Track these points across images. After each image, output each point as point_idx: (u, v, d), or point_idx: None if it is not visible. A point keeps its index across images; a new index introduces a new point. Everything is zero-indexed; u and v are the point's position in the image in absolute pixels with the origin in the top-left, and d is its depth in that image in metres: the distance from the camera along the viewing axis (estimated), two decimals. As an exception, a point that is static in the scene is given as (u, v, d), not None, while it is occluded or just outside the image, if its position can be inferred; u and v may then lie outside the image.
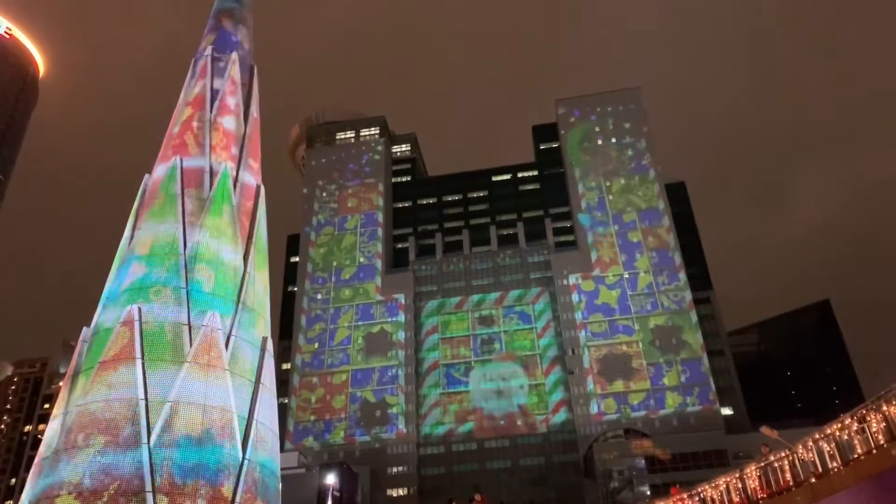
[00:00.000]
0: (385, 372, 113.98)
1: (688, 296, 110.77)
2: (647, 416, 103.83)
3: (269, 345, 28.13)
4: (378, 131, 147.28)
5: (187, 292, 26.21)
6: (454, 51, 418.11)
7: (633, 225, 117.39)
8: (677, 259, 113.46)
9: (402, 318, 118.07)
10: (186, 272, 26.70)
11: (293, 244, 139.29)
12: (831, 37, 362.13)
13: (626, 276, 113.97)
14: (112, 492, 21.58)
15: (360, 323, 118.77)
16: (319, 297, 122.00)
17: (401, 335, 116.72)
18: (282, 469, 28.90)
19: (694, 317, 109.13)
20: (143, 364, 24.17)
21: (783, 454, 26.07)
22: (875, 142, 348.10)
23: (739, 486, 27.61)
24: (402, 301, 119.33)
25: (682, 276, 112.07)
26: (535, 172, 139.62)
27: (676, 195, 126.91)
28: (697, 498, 29.82)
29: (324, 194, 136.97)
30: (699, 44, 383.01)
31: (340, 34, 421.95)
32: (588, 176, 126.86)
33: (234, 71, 33.32)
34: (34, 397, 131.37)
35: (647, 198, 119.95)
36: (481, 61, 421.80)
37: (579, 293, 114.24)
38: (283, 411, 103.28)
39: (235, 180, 30.47)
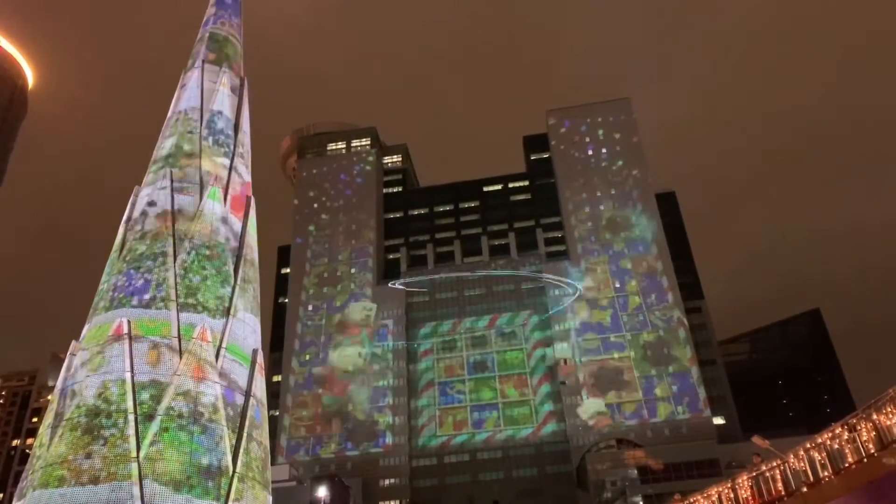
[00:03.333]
0: (374, 392, 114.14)
1: (676, 314, 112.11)
2: (639, 425, 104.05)
3: (260, 357, 27.98)
4: (369, 142, 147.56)
5: (177, 304, 26.07)
6: (445, 61, 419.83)
7: (623, 254, 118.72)
8: (665, 282, 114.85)
9: (390, 342, 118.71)
10: (176, 284, 26.57)
11: (284, 255, 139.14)
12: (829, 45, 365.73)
13: (618, 298, 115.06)
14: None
15: (350, 347, 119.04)
16: (312, 323, 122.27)
17: (389, 357, 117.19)
18: (273, 482, 28.69)
19: (682, 333, 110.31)
20: (132, 377, 23.99)
21: (775, 464, 26.12)
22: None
23: (731, 495, 27.64)
24: (391, 326, 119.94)
25: (671, 296, 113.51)
26: (527, 183, 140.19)
27: (667, 205, 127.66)
28: (690, 508, 29.80)
29: (315, 205, 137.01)
30: (689, 52, 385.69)
31: (332, 46, 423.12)
32: (579, 193, 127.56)
33: (224, 82, 33.32)
34: (22, 411, 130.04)
35: (635, 227, 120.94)
36: (472, 71, 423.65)
37: (573, 314, 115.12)
38: (274, 424, 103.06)
39: (226, 191, 30.39)
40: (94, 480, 21.76)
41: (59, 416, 24.22)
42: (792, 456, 25.36)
